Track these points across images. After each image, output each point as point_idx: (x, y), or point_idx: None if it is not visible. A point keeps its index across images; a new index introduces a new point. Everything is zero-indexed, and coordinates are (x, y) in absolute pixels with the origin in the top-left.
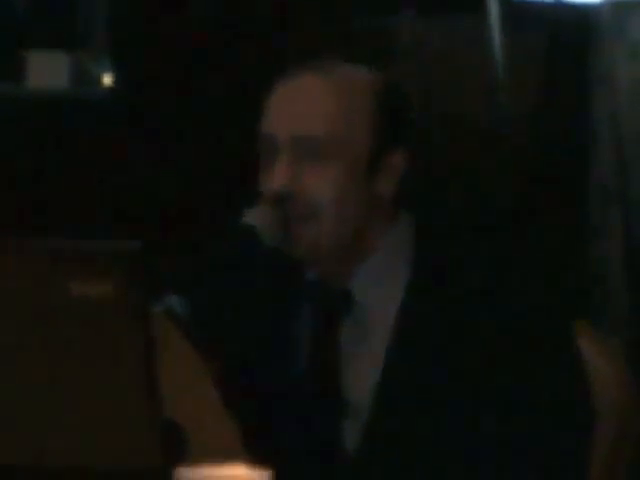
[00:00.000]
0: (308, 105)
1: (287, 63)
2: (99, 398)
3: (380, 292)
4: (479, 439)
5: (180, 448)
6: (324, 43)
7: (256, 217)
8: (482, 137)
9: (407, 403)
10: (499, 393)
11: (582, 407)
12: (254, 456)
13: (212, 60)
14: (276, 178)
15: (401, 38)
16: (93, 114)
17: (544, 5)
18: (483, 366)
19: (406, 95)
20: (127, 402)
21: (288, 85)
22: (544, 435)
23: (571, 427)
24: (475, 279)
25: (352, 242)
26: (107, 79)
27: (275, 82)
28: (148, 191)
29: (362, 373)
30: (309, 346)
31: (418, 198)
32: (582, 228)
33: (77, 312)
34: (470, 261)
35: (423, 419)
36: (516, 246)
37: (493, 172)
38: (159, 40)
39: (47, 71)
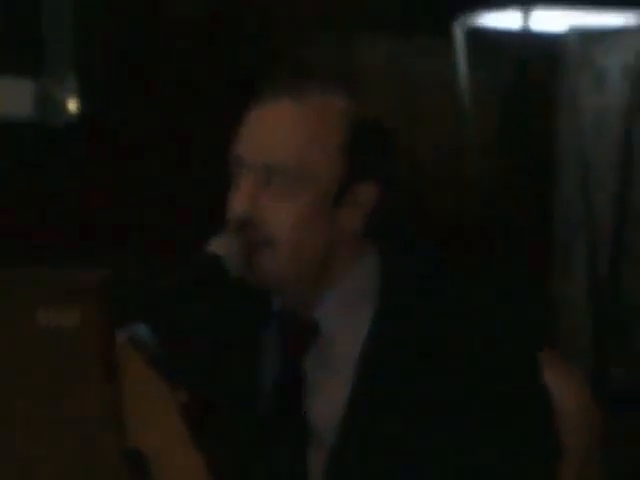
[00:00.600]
0: (278, 133)
1: (261, 85)
2: (64, 428)
3: (346, 321)
4: (446, 470)
5: (145, 476)
6: (295, 66)
7: (220, 244)
8: (449, 167)
9: (373, 433)
10: (466, 424)
11: (548, 438)
12: None
13: (181, 84)
14: (238, 203)
15: (371, 62)
16: (59, 140)
17: (511, 34)
18: (450, 397)
19: (383, 127)
20: (91, 432)
21: (261, 109)
22: (511, 467)
23: (538, 460)
24: (442, 311)
25: (316, 272)
26: (72, 105)
27: (250, 105)
28: (115, 217)
29: (328, 402)
30: (275, 375)
31: (385, 229)
32: (548, 260)
33: (43, 341)
34: (437, 293)
35: (389, 449)
36: (483, 278)
37: (460, 202)
38: (126, 65)
39: (12, 98)
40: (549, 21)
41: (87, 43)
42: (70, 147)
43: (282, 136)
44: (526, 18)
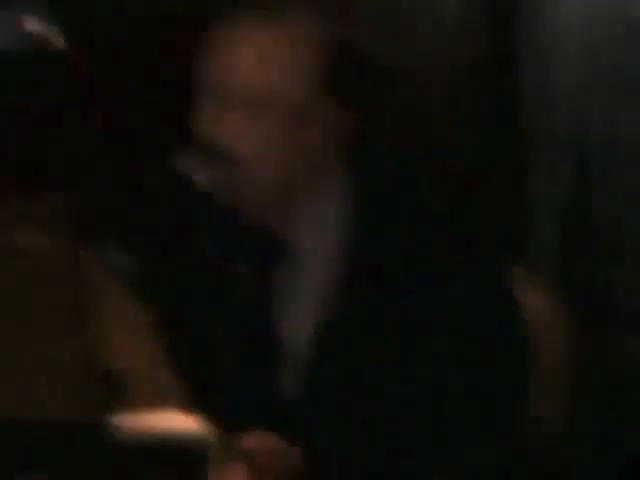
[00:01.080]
0: (245, 52)
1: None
2: (37, 348)
3: (316, 241)
4: (417, 381)
5: (119, 395)
6: None
7: (187, 163)
8: (418, 85)
9: (344, 350)
10: (436, 337)
11: (521, 341)
12: (193, 404)
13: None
14: (205, 122)
15: None
16: (31, 74)
17: None
18: (419, 311)
19: (358, 50)
20: (64, 351)
21: (231, 29)
22: (484, 371)
23: (510, 360)
24: (410, 232)
25: (284, 192)
26: (51, 37)
27: (222, 24)
28: (84, 144)
29: (299, 320)
30: (247, 293)
31: (356, 153)
32: (516, 176)
33: (14, 262)
34: (405, 214)
35: (360, 366)
36: (452, 198)
37: (429, 120)
38: None
39: None
40: None
41: None
42: (39, 74)
43: (246, 55)
44: None
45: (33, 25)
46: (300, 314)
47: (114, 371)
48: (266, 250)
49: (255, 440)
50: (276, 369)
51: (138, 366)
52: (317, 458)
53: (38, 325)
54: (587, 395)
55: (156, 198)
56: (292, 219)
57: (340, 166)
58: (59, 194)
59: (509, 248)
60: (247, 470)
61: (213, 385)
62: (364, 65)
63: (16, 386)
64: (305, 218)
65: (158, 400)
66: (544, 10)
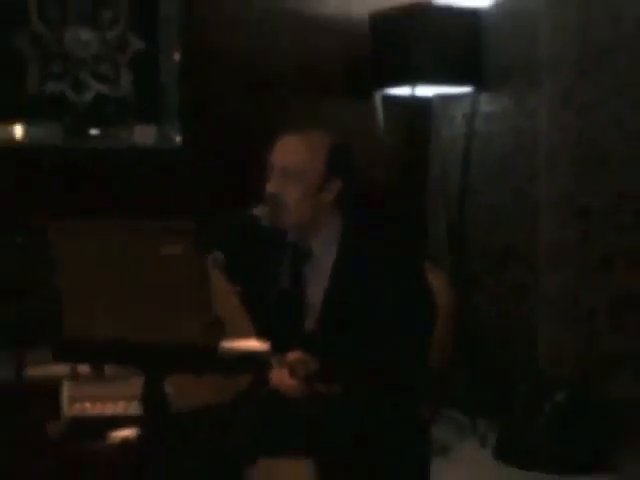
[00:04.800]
0: (290, 151)
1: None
2: (176, 305)
3: (325, 250)
4: (380, 330)
5: (221, 331)
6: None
7: (259, 209)
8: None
9: (342, 305)
10: (389, 297)
11: (430, 305)
12: (260, 336)
13: (242, 132)
14: (268, 187)
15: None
16: (172, 161)
17: (405, 98)
18: (378, 286)
19: (346, 148)
20: (192, 306)
21: (283, 139)
22: (410, 321)
23: (424, 314)
24: (372, 246)
25: (307, 225)
26: (179, 139)
27: (279, 137)
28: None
29: (316, 290)
30: (288, 277)
31: (347, 205)
32: (421, 212)
33: (165, 263)
34: (370, 238)
35: (349, 313)
36: (390, 231)
37: (381, 193)
38: (211, 116)
39: (145, 135)
40: (425, 91)
41: (188, 104)
42: (178, 164)
43: (291, 152)
44: (413, 90)
45: (166, 131)
46: (316, 286)
47: (219, 317)
48: (299, 253)
49: (293, 355)
50: (303, 316)
51: (231, 316)
52: (328, 365)
53: (178, 296)
54: (462, 334)
55: (240, 228)
56: (312, 238)
57: (337, 211)
58: (189, 223)
59: (421, 251)
60: (289, 371)
61: (269, 325)
62: (348, 156)
63: (164, 320)
64: (319, 237)
65: (242, 334)
66: (442, 131)
